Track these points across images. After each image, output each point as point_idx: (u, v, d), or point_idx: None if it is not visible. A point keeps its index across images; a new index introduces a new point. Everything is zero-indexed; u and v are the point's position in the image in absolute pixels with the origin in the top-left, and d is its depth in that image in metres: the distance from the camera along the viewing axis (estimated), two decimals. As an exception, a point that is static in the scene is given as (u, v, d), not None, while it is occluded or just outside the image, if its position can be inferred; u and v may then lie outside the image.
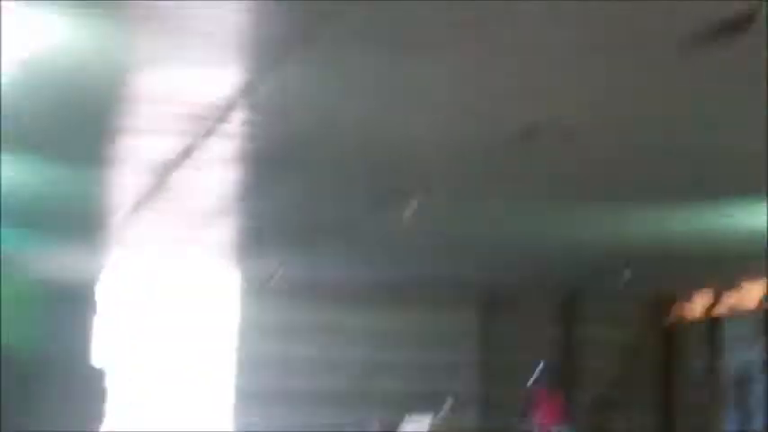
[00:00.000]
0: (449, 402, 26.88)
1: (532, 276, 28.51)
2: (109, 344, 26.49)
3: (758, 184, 17.60)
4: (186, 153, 15.66)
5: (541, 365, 20.13)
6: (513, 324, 30.64)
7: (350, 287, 29.93)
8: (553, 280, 29.04)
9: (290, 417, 29.29)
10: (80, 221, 20.11)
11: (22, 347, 21.76)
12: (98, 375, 23.00)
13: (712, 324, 30.37)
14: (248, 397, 29.40)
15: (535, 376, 19.97)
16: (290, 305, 29.93)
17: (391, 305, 30.50)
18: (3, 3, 8.27)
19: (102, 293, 24.34)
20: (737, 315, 29.02)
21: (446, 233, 22.04)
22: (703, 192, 18.36)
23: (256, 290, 29.49)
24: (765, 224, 20.35)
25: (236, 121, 13.79)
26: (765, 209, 19.11)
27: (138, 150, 15.22)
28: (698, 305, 30.99)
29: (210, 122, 13.37)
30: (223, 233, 23.62)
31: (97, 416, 22.67)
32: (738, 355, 29.27)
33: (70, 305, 22.96)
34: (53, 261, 23.26)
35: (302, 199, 19.53)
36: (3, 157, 14.21)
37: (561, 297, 31.09)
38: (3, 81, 10.47)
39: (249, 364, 29.57)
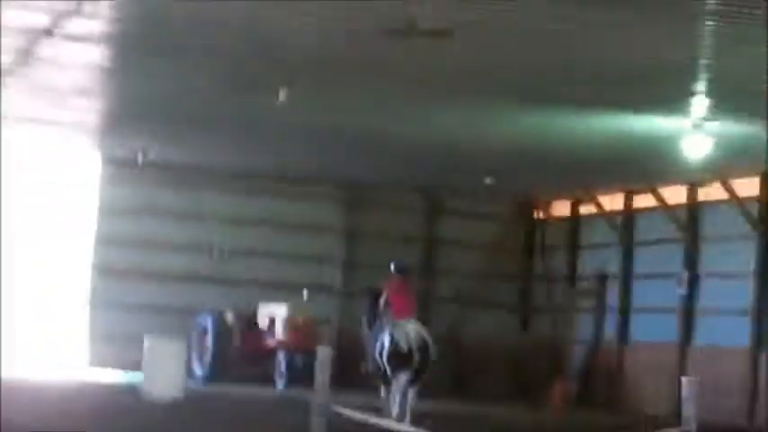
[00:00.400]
0: (305, 291, 27.06)
1: (396, 173, 28.66)
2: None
3: (624, 95, 18.13)
4: (52, 29, 15.36)
5: (395, 261, 20.82)
6: (377, 219, 30.82)
7: (215, 174, 29.73)
8: (417, 177, 29.20)
9: (147, 296, 29.18)
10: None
11: None
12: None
13: (573, 226, 30.90)
14: (104, 274, 29.19)
15: (389, 271, 20.61)
16: (153, 189, 29.62)
17: (256, 194, 30.41)
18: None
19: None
20: (597, 218, 29.57)
21: (313, 124, 21.98)
22: (573, 99, 18.69)
23: (117, 172, 29.13)
24: (627, 133, 20.99)
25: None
26: (628, 119, 19.78)
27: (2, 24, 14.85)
28: (560, 207, 31.49)
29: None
30: (86, 113, 23.25)
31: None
32: (597, 257, 29.87)
33: None
34: None
35: (170, 84, 19.29)
36: None
37: (424, 194, 31.29)
38: None
39: (106, 243, 29.26)
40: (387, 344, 18.66)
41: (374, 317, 19.57)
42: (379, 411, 18.50)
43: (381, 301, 19.76)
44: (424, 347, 18.60)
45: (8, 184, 28.04)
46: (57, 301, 29.94)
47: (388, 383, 18.82)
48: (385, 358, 18.80)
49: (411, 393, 18.98)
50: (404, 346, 18.49)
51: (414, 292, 20.27)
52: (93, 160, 29.26)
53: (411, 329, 18.86)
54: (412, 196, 31.15)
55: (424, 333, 18.87)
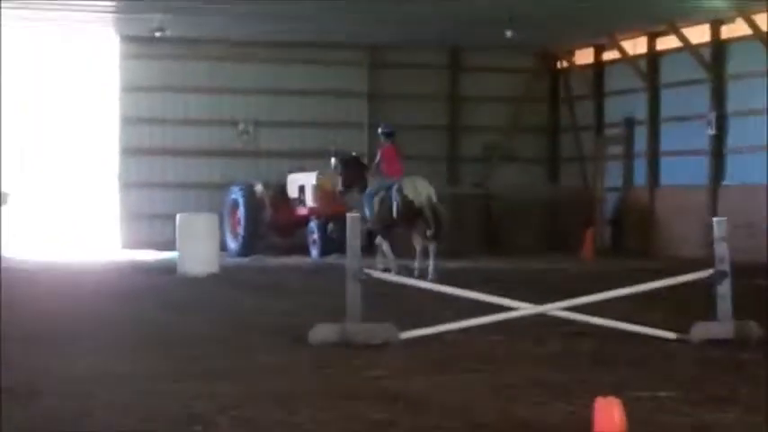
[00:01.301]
0: (333, 158, 26.96)
1: (418, 32, 28.27)
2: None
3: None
4: None
5: (382, 125, 21.52)
6: (400, 81, 30.62)
7: (235, 45, 29.50)
8: (438, 35, 28.83)
9: (176, 173, 29.29)
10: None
11: None
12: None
13: (597, 73, 30.60)
14: (132, 153, 29.22)
15: (381, 134, 21.19)
16: (173, 64, 29.49)
17: (279, 63, 30.21)
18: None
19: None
20: (621, 63, 29.24)
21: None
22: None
23: (137, 49, 28.95)
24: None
25: None
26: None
27: None
28: (583, 55, 31.14)
29: None
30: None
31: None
32: (623, 104, 29.64)
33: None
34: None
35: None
36: None
37: (447, 52, 31.00)
38: None
39: (132, 122, 29.24)
40: (397, 199, 19.18)
41: (357, 180, 20.32)
42: (411, 273, 18.70)
43: (374, 163, 20.56)
44: (432, 203, 19.20)
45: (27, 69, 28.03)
46: (86, 184, 30.10)
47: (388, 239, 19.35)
48: (396, 214, 19.34)
49: (432, 249, 19.35)
50: (413, 199, 19.06)
51: (401, 154, 21.08)
52: (111, 38, 29.03)
53: (420, 185, 19.45)
54: (434, 55, 30.88)
55: (431, 190, 19.39)
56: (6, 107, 27.64)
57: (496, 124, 31.41)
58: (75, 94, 30.01)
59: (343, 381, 8.49)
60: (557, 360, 9.73)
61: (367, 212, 20.26)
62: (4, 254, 22.08)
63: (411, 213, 19.62)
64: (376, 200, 20.34)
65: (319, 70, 30.22)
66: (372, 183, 20.80)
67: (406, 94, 30.49)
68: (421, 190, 19.72)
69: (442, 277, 17.52)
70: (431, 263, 19.33)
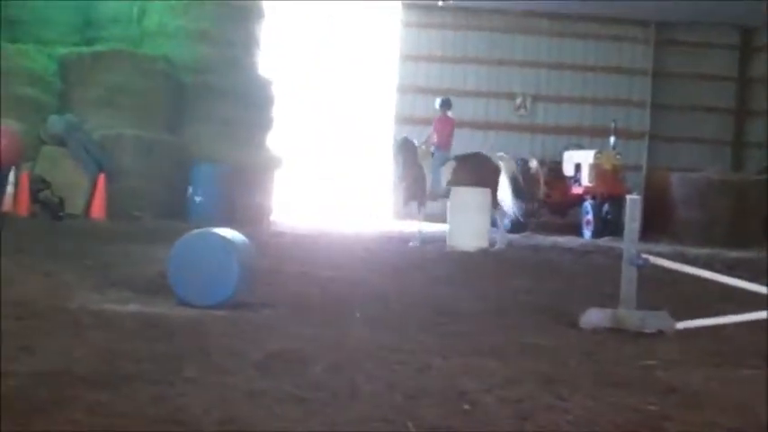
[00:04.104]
0: (612, 137, 26.44)
1: (709, 9, 27.33)
2: (275, 55, 26.63)
3: None
4: None
5: (440, 97, 21.54)
6: (687, 60, 29.72)
7: (517, 16, 29.30)
8: (731, 12, 27.78)
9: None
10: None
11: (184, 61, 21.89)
12: (264, 84, 23.08)
13: None
14: (405, 122, 29.41)
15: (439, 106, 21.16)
16: (455, 33, 29.55)
17: (561, 36, 29.83)
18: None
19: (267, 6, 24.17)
20: None
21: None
22: None
23: (419, 16, 29.16)
24: None
25: None
26: None
27: None
28: None
29: None
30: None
31: (266, 123, 22.88)
32: None
33: (238, 19, 22.83)
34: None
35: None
36: None
37: (739, 30, 29.86)
38: None
39: (408, 91, 29.41)
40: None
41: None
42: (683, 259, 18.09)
43: (429, 135, 20.76)
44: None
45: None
46: (361, 152, 30.51)
47: None
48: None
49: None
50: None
51: (452, 126, 20.88)
52: (393, 5, 29.34)
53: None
54: (725, 34, 29.80)
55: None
56: (289, 71, 28.32)
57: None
58: (357, 61, 30.45)
59: (615, 368, 8.16)
60: None
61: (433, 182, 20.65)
62: (274, 218, 22.62)
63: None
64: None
65: (602, 45, 29.71)
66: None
67: (692, 73, 29.59)
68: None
69: (719, 266, 16.83)
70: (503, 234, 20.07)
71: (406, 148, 21.02)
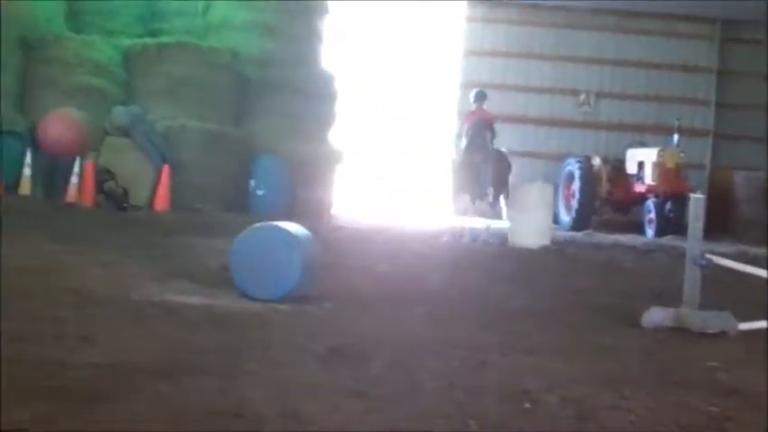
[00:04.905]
0: (676, 135, 26.21)
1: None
2: (339, 50, 26.63)
3: None
4: None
5: (474, 90, 21.18)
6: (752, 59, 29.39)
7: (582, 12, 29.15)
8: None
9: (512, 141, 29.23)
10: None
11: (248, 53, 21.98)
12: (327, 79, 23.12)
13: None
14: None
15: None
16: (520, 28, 29.45)
17: (625, 33, 29.62)
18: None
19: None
20: None
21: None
22: None
23: (483, 11, 29.10)
24: None
25: None
26: None
27: None
28: None
29: None
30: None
31: (329, 117, 22.93)
32: None
33: (303, 10, 22.91)
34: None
35: None
36: None
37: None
38: None
39: (471, 87, 29.28)
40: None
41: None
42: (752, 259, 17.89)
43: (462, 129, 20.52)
44: None
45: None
46: (423, 148, 30.50)
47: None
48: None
49: None
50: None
51: (488, 119, 20.87)
52: (458, 3, 29.32)
53: None
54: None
55: None
56: (350, 66, 28.36)
57: None
58: (419, 56, 30.44)
59: (677, 369, 8.10)
60: None
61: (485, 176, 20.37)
62: (334, 212, 22.65)
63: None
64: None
65: (667, 42, 29.47)
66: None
67: (758, 72, 29.27)
68: None
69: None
70: None
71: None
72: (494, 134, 20.89)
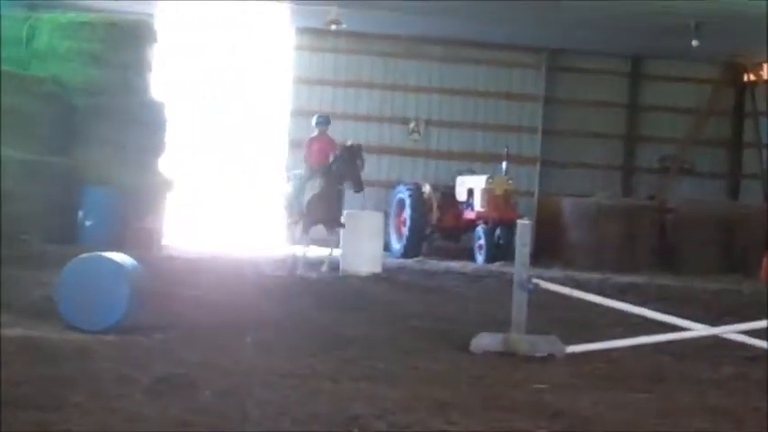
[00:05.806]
0: (504, 162, 26.67)
1: (599, 38, 27.72)
2: (167, 78, 26.29)
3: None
4: None
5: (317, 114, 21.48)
6: (578, 86, 30.07)
7: (410, 41, 29.41)
8: (620, 42, 28.22)
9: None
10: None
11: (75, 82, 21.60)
12: (157, 107, 22.84)
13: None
14: (298, 146, 29.24)
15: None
16: (347, 58, 29.55)
17: (453, 62, 29.96)
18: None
19: (160, 29, 23.93)
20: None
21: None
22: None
23: (311, 41, 29.15)
24: None
25: None
26: None
27: None
28: (769, 68, 30.13)
29: None
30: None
31: (158, 146, 22.63)
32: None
33: (131, 39, 22.62)
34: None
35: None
36: None
37: (628, 59, 30.33)
38: None
39: (302, 115, 29.26)
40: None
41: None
42: (577, 285, 18.26)
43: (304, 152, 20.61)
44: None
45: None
46: (255, 178, 30.29)
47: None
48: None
49: None
50: None
51: (327, 144, 20.81)
52: (285, 30, 29.27)
53: None
54: (615, 62, 30.24)
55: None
56: (182, 94, 28.12)
57: (675, 136, 30.53)
58: (249, 84, 30.26)
59: (505, 393, 8.21)
60: (728, 385, 9.28)
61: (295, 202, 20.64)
62: (165, 242, 22.37)
63: None
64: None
65: (494, 71, 29.89)
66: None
67: (584, 100, 29.98)
68: None
69: (610, 291, 17.02)
70: None
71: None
72: (363, 162, 20.77)
